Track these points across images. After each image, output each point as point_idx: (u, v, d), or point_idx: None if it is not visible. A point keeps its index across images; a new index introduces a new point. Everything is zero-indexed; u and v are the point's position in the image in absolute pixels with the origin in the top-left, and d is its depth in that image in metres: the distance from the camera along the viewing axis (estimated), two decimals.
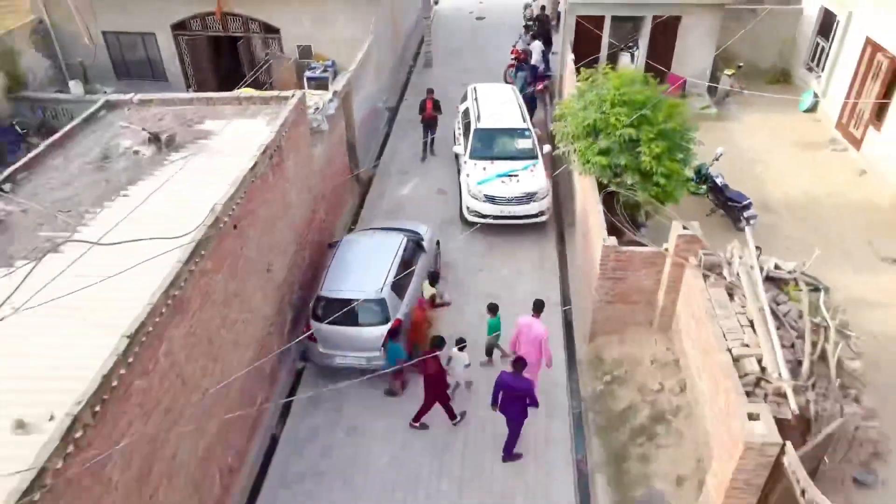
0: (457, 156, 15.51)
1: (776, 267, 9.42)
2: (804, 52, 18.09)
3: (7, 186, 9.27)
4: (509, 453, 9.49)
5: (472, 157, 14.46)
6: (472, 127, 14.97)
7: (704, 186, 13.60)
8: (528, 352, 9.56)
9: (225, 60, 19.86)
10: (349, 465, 9.50)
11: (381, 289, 10.26)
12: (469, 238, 13.27)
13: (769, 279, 9.30)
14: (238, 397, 8.86)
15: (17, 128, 16.10)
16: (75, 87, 17.15)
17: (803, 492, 6.38)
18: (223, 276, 8.33)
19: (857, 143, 15.13)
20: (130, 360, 6.23)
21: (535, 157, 14.41)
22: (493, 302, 10.78)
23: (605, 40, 17.71)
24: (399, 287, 10.62)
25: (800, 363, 8.06)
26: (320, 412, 10.27)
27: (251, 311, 9.30)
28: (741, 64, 18.00)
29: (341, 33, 17.26)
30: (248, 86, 15.93)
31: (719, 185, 13.17)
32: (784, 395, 7.59)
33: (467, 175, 14.16)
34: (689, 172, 12.43)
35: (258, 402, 9.66)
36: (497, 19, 26.87)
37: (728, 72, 17.68)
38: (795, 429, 7.52)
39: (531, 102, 17.32)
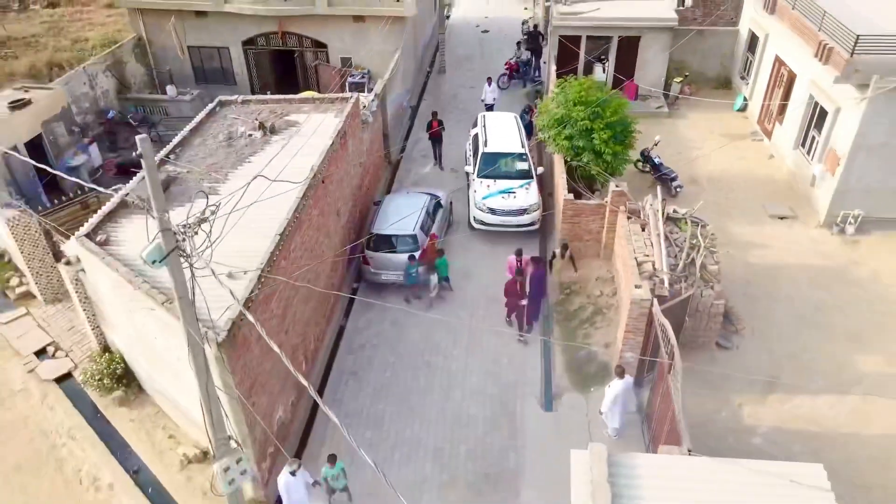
0: (467, 174, 18.53)
1: (675, 211, 14.25)
2: (738, 64, 22.88)
3: (171, 156, 14.20)
4: (535, 319, 14.38)
5: (478, 175, 17.31)
6: (480, 151, 17.90)
7: (648, 165, 18.39)
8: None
9: (281, 68, 24.84)
10: (393, 340, 14.39)
11: (413, 228, 15.17)
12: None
13: (670, 219, 14.13)
14: (321, 297, 13.77)
15: (130, 121, 21.09)
16: (171, 90, 22.14)
17: (662, 327, 11.20)
18: (317, 210, 13.24)
19: (769, 134, 19.94)
20: (280, 247, 11.14)
21: (531, 177, 17.31)
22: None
23: (582, 55, 22.52)
24: (424, 228, 15.52)
25: (678, 266, 12.92)
26: (372, 312, 15.16)
27: (328, 236, 14.20)
28: (687, 73, 22.82)
29: (375, 47, 22.15)
30: (307, 89, 20.89)
31: (656, 163, 17.99)
32: (664, 282, 12.42)
33: (474, 191, 17.12)
34: (635, 154, 17.27)
35: (331, 302, 14.57)
36: (499, 32, 31.79)
37: (678, 79, 22.47)
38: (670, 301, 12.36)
39: (528, 129, 20.03)
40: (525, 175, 17.44)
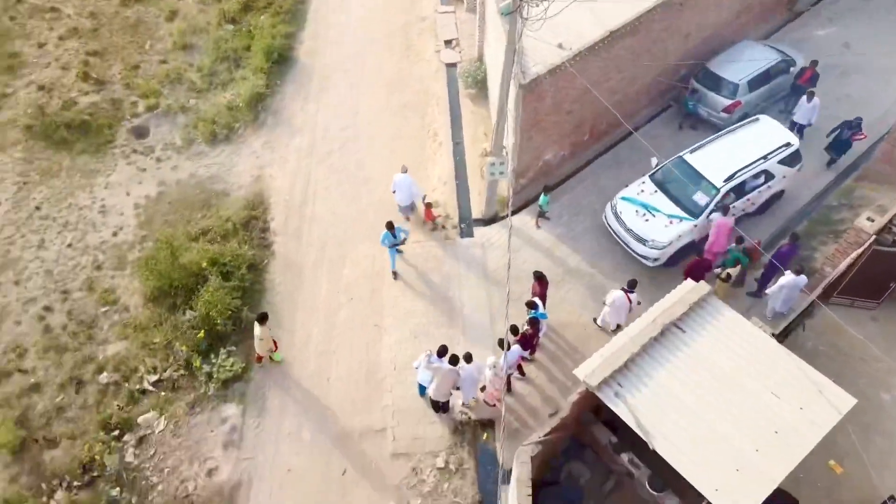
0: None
1: None
2: None
3: None
4: None
5: (650, 176, 14.96)
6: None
7: None
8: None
9: None
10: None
11: (739, 79, 16.42)
12: None
13: None
14: (623, 97, 16.61)
15: None
16: None
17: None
18: (662, 25, 15.47)
19: None
20: (605, 40, 14.20)
21: (694, 216, 14.11)
22: None
23: None
24: (752, 85, 16.59)
25: None
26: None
27: (664, 53, 16.45)
28: None
29: None
30: None
31: None
32: None
33: (625, 185, 15.28)
34: None
35: (630, 108, 17.38)
36: None
37: None
38: None
39: (839, 147, 16.01)
40: (690, 211, 14.27)
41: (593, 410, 11.12)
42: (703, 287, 10.88)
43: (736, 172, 14.34)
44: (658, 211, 14.37)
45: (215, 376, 13.51)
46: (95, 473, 12.60)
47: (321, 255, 15.75)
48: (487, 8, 16.83)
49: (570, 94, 14.69)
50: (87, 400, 13.58)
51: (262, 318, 12.94)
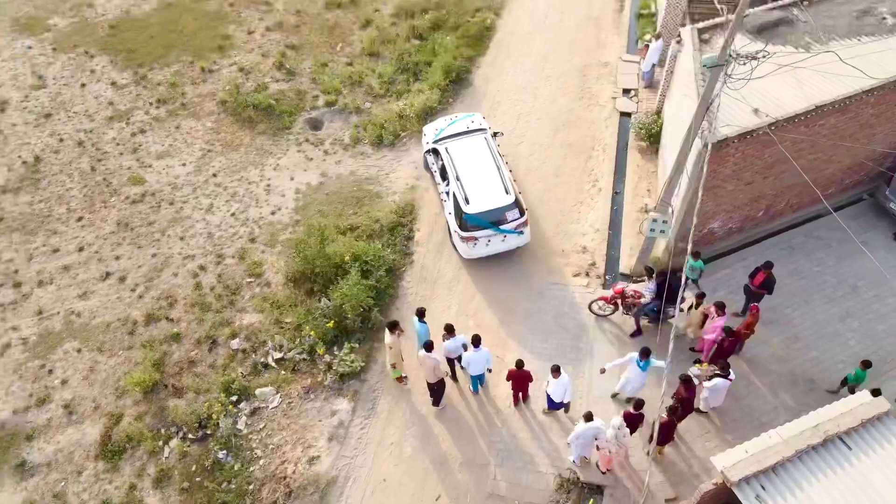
0: None
1: None
2: None
3: (806, 2, 16.15)
4: None
5: None
6: None
7: None
8: None
9: None
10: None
11: None
12: None
13: None
14: (817, 177, 15.24)
15: None
16: None
17: None
18: (875, 110, 14.10)
19: None
20: (808, 115, 13.13)
21: None
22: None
23: None
24: None
25: None
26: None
27: (872, 136, 14.96)
28: None
29: None
30: None
31: None
32: None
33: None
34: None
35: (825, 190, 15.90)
36: None
37: None
38: None
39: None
40: None
41: None
42: (882, 404, 9.53)
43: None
44: None
45: (334, 368, 13.72)
46: (209, 431, 13.13)
47: (458, 274, 15.68)
48: (679, 62, 16.23)
49: (755, 163, 13.70)
50: (217, 361, 14.26)
51: (393, 326, 12.77)
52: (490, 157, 15.85)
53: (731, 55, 11.12)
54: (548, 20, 22.56)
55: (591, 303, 14.55)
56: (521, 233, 15.29)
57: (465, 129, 16.81)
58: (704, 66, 11.44)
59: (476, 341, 12.24)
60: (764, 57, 11.14)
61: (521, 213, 15.11)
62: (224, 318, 14.92)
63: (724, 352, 12.68)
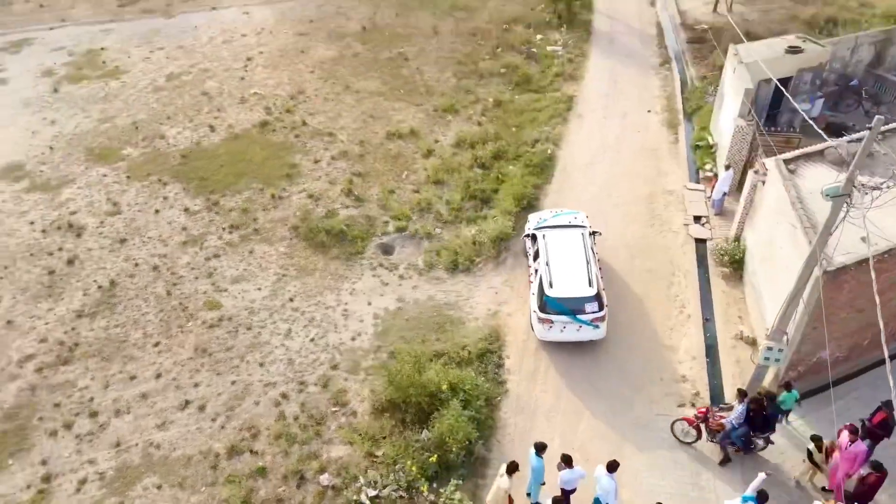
0: None
1: None
2: None
3: (881, 136, 16.71)
4: None
5: None
6: None
7: None
8: None
9: None
10: None
11: None
12: None
13: None
14: None
15: (863, 92, 23.63)
16: None
17: None
18: None
19: None
20: None
21: None
22: None
23: None
24: None
25: None
26: None
27: None
28: None
29: None
30: None
31: None
32: None
33: None
34: None
35: None
36: None
37: None
38: None
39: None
40: None
41: None
42: None
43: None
44: None
45: None
46: None
47: (555, 404, 14.98)
48: (766, 191, 16.55)
49: (867, 291, 13.45)
50: (306, 499, 13.22)
51: (513, 469, 11.66)
52: (582, 250, 16.44)
53: (855, 186, 11.25)
54: (606, 151, 23.37)
55: (673, 423, 13.87)
56: (598, 327, 15.63)
57: (567, 223, 17.54)
58: (827, 195, 11.52)
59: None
60: (888, 188, 11.27)
61: (601, 308, 15.49)
62: (311, 450, 14.03)
63: (868, 491, 11.68)
